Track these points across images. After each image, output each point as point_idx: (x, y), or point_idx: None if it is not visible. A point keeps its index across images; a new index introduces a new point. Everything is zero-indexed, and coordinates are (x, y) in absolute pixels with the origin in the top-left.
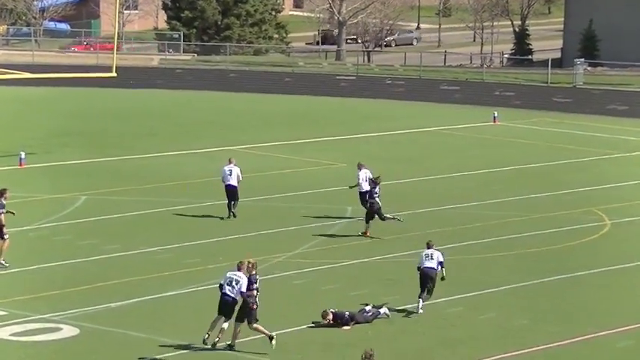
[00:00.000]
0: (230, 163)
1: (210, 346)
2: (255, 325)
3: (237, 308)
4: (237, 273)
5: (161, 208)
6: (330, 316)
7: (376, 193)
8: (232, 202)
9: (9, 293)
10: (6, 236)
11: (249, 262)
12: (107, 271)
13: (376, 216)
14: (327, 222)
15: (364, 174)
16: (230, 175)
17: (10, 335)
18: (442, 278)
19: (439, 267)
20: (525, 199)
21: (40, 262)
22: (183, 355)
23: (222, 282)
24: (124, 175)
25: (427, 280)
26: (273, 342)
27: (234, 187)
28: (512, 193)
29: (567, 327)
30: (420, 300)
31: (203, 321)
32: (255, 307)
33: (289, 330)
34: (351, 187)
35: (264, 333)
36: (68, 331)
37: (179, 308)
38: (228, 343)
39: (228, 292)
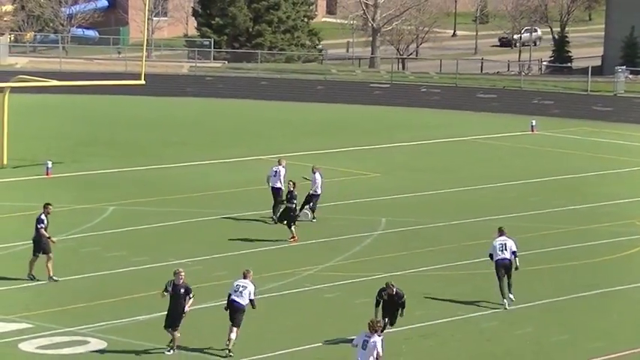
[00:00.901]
0: (279, 164)
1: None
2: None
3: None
4: (244, 281)
5: (190, 219)
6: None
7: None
8: (277, 206)
9: (35, 306)
10: (50, 254)
11: (177, 271)
12: (135, 284)
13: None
14: (360, 234)
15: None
16: (275, 176)
17: (37, 348)
18: (516, 268)
19: (512, 256)
20: (563, 211)
21: (67, 275)
22: None
23: (230, 291)
24: (152, 185)
25: (502, 271)
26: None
27: (276, 189)
28: (551, 205)
29: (608, 343)
30: (505, 298)
31: None
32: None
33: (319, 344)
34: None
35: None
36: (96, 344)
37: (208, 321)
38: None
39: (236, 299)
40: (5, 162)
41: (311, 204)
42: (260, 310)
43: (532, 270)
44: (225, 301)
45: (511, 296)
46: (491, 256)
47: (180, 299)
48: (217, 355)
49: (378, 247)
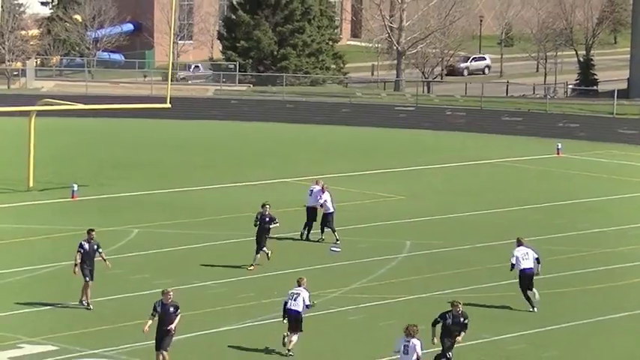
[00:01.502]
0: (317, 184)
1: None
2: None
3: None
4: (298, 288)
5: (215, 242)
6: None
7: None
8: (309, 224)
9: (60, 328)
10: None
11: (165, 291)
12: None
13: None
14: (386, 256)
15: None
16: (310, 195)
17: None
18: (537, 274)
19: (535, 263)
20: (590, 233)
21: (92, 297)
22: None
23: (285, 300)
24: (178, 208)
25: (527, 281)
26: None
27: (310, 207)
28: (577, 228)
29: None
30: (533, 306)
31: (257, 356)
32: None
33: None
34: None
35: None
36: None
37: (234, 343)
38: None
39: (292, 307)
40: (31, 184)
41: (328, 224)
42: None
43: (559, 292)
44: (282, 311)
45: (536, 294)
46: (512, 265)
47: (170, 318)
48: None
49: (403, 270)
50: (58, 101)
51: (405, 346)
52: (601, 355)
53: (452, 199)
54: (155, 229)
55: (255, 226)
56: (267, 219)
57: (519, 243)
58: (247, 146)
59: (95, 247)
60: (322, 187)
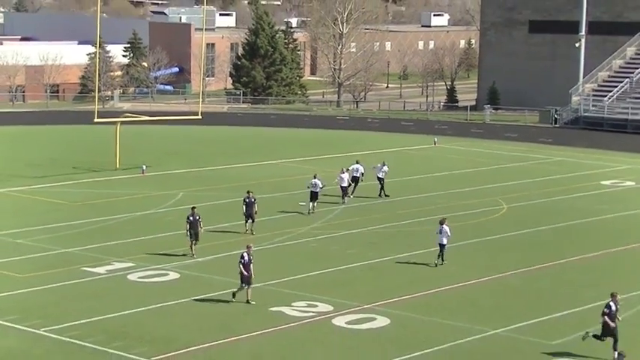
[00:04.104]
0: (345, 170)
1: None
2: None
3: None
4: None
5: (233, 199)
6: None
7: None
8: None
9: (135, 250)
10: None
11: (248, 246)
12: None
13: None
14: (328, 209)
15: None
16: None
17: (139, 278)
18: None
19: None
20: (452, 193)
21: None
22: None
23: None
24: (208, 179)
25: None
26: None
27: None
28: (444, 188)
29: None
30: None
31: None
32: None
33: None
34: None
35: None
36: (173, 275)
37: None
38: None
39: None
40: (118, 166)
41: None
42: None
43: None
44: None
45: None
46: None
47: (249, 265)
48: None
49: (341, 216)
50: (132, 115)
51: (440, 229)
52: None
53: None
54: (193, 192)
55: (308, 188)
56: (320, 186)
57: (441, 222)
58: (247, 142)
59: (197, 217)
60: (342, 170)
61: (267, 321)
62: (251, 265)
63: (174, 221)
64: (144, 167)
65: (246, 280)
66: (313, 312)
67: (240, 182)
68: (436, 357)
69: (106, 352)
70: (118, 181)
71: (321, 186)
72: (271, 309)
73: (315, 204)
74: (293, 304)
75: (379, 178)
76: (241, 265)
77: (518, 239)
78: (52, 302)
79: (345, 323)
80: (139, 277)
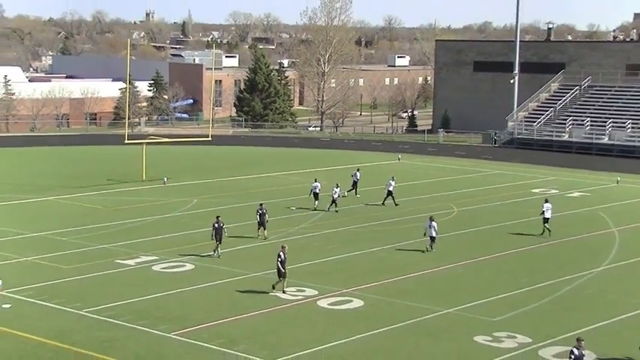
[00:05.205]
0: (357, 171)
1: None
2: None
3: None
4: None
5: (240, 204)
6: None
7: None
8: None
9: (160, 246)
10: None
11: (282, 246)
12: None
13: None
14: (311, 213)
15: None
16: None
17: (161, 269)
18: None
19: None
20: (412, 199)
21: (219, 251)
22: None
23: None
24: (219, 188)
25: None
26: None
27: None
28: (410, 194)
29: None
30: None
31: None
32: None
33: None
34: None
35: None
36: (190, 267)
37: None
38: None
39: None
40: (144, 178)
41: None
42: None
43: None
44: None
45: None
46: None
47: (283, 261)
48: None
49: (325, 219)
50: (156, 137)
51: (429, 224)
52: None
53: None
54: (205, 199)
55: (309, 194)
56: (319, 188)
57: (431, 219)
58: (248, 158)
59: (222, 224)
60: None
61: (264, 303)
62: (285, 262)
63: (190, 222)
64: (165, 179)
65: (282, 275)
66: (301, 295)
67: (243, 191)
68: (400, 331)
69: (134, 329)
70: (144, 190)
71: (320, 187)
72: (269, 293)
73: (317, 202)
74: (285, 289)
75: (389, 192)
76: (279, 263)
77: (466, 236)
78: (91, 288)
79: (327, 305)
80: (162, 268)
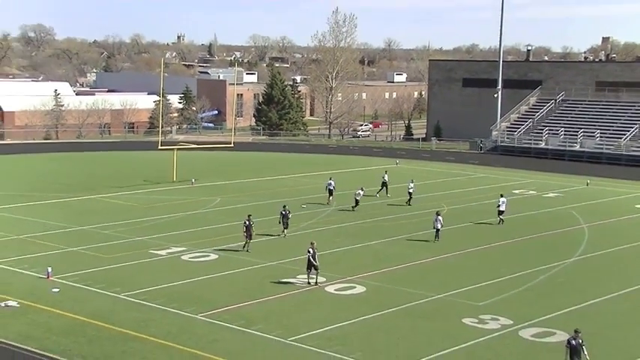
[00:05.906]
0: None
1: None
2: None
3: None
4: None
5: (260, 202)
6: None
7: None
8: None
9: (189, 238)
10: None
11: (312, 242)
12: (238, 228)
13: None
14: (317, 210)
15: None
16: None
17: (190, 258)
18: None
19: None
20: (380, 203)
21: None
22: None
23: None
24: (241, 189)
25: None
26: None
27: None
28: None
29: None
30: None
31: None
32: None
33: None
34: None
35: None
36: (214, 256)
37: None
38: None
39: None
40: (175, 179)
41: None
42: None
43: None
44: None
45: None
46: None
47: (314, 256)
48: None
49: (329, 217)
50: (185, 144)
51: (436, 218)
52: None
53: (353, 185)
54: (227, 198)
55: (325, 189)
56: (333, 185)
57: (438, 213)
58: (265, 163)
59: (252, 222)
60: (361, 188)
61: (279, 288)
62: (316, 256)
63: (214, 218)
64: (193, 180)
65: (314, 267)
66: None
67: (261, 191)
68: (398, 314)
69: (166, 310)
70: (175, 190)
71: (334, 185)
72: (282, 280)
73: (332, 197)
74: (297, 276)
75: (409, 192)
76: (310, 257)
77: (455, 230)
78: (128, 275)
79: (334, 290)
80: (190, 258)
